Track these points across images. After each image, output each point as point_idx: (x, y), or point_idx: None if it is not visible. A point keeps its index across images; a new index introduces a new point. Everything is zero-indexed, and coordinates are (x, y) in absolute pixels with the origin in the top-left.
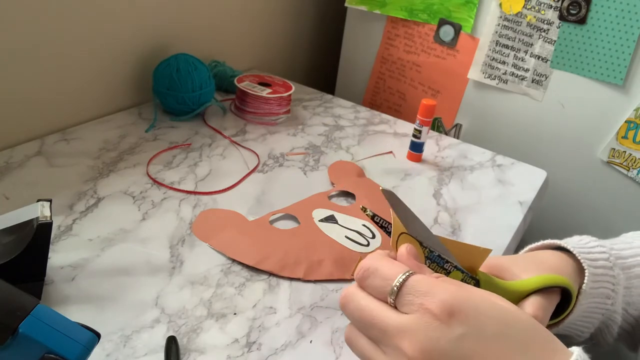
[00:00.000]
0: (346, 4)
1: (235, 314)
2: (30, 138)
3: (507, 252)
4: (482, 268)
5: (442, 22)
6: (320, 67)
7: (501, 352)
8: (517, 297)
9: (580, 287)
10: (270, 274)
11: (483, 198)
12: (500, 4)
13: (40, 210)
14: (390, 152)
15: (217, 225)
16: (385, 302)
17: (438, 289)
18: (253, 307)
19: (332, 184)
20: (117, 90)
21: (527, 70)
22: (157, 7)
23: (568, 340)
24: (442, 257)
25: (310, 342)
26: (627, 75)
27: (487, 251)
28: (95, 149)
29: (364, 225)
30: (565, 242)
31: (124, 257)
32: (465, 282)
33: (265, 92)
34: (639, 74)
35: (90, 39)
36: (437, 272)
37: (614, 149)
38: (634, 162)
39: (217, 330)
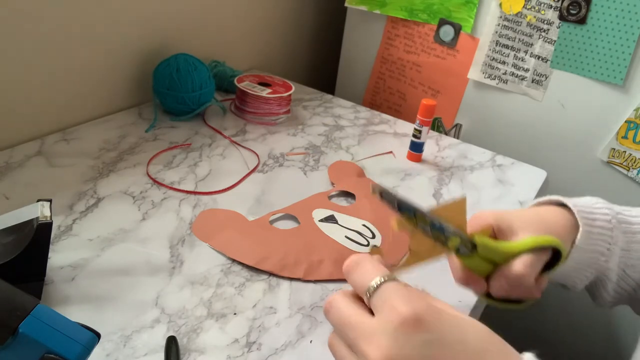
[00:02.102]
0: (346, 4)
1: (235, 314)
2: (30, 138)
3: None
4: (490, 217)
5: (442, 22)
6: (320, 67)
7: (460, 358)
8: (510, 257)
9: (573, 242)
10: (270, 274)
11: (483, 198)
12: (500, 4)
13: (40, 210)
14: (390, 152)
15: (217, 226)
16: (363, 302)
17: (408, 298)
18: (253, 307)
19: (332, 184)
20: (117, 90)
21: (527, 70)
22: (157, 7)
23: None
24: (443, 226)
25: (310, 342)
26: (627, 75)
27: (463, 200)
28: (95, 149)
29: (364, 225)
30: (570, 200)
31: (123, 257)
32: (465, 246)
33: (265, 92)
34: (639, 74)
35: (90, 39)
36: (440, 240)
37: (614, 149)
38: (634, 162)
39: (217, 330)
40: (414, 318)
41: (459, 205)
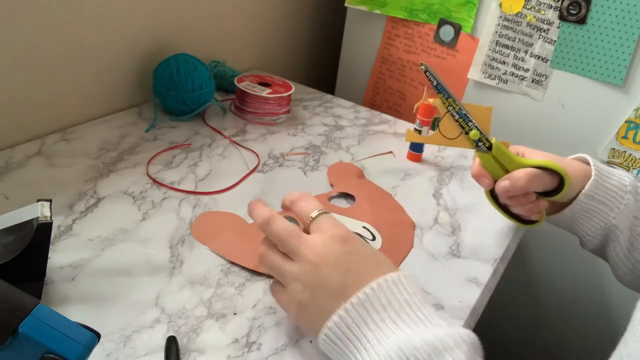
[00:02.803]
0: (346, 4)
1: (235, 314)
2: (30, 138)
3: (507, 252)
4: (514, 146)
5: (442, 22)
6: (320, 67)
7: (367, 264)
8: (517, 167)
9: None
10: (270, 276)
11: (483, 198)
12: (500, 4)
13: (40, 210)
14: (390, 152)
15: (216, 228)
16: (302, 226)
17: (337, 224)
18: (253, 307)
19: (332, 185)
20: (117, 90)
21: (527, 70)
22: (157, 7)
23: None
24: (468, 117)
25: (310, 342)
26: (627, 75)
27: (489, 109)
28: (95, 149)
29: (364, 227)
30: (593, 160)
31: (124, 257)
32: (482, 141)
33: (265, 92)
34: (639, 74)
35: (90, 39)
36: (463, 129)
37: (614, 149)
38: (634, 162)
39: (217, 330)
40: (341, 235)
41: (486, 112)
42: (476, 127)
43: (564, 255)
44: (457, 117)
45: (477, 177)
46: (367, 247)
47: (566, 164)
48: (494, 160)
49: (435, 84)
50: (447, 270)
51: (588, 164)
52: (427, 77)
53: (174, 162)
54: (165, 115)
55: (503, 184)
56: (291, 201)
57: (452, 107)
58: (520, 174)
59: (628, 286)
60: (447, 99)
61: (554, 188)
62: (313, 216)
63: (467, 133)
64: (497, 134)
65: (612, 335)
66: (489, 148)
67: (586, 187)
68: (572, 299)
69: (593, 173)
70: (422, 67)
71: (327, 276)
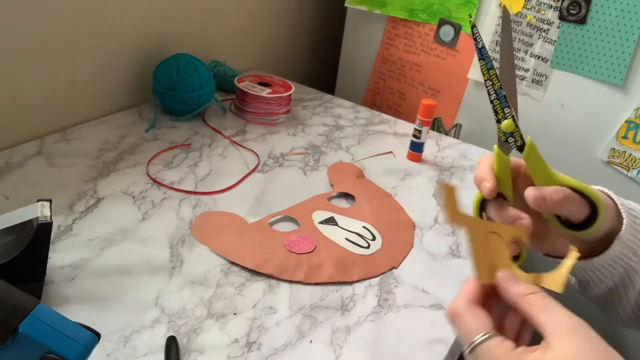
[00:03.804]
0: (346, 4)
1: (235, 314)
2: (30, 138)
3: None
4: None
5: (442, 22)
6: (320, 67)
7: None
8: (549, 182)
9: (618, 233)
10: (270, 276)
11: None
12: (501, 4)
13: (40, 210)
14: (390, 152)
15: (216, 228)
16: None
17: None
18: (253, 307)
19: (332, 185)
20: (117, 90)
21: (527, 70)
22: (157, 7)
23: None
24: (507, 100)
25: (310, 342)
26: (627, 76)
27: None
28: (95, 149)
29: (364, 227)
30: (618, 198)
31: (124, 257)
32: (516, 136)
33: (265, 92)
34: (639, 74)
35: (91, 39)
36: (496, 114)
37: (614, 149)
38: (634, 162)
39: (217, 330)
40: None
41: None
42: (513, 116)
43: None
44: (493, 97)
45: (481, 181)
46: None
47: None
48: (506, 167)
49: (480, 46)
50: (447, 270)
51: (608, 196)
52: (474, 34)
53: (174, 162)
54: (165, 115)
55: (536, 193)
56: (449, 320)
57: (490, 82)
58: (554, 189)
59: (630, 326)
60: (488, 70)
61: (581, 220)
62: (473, 344)
63: (499, 122)
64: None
65: (613, 335)
66: (520, 149)
67: (622, 230)
68: (572, 299)
69: (624, 215)
70: (471, 19)
71: None
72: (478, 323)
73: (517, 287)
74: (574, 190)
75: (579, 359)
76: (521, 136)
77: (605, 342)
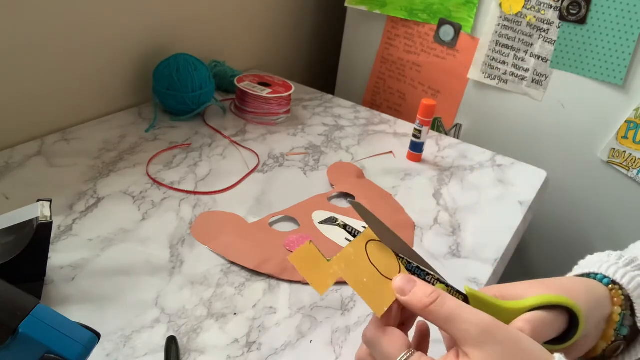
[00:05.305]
0: (346, 4)
1: (235, 314)
2: (30, 138)
3: (507, 252)
4: (493, 288)
5: (442, 22)
6: (320, 67)
7: None
8: (511, 316)
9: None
10: (270, 276)
11: (483, 198)
12: (500, 4)
13: (40, 210)
14: (390, 152)
15: (217, 228)
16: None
17: None
18: (253, 307)
19: (332, 185)
20: (117, 90)
21: (527, 70)
22: (157, 7)
23: None
24: (422, 269)
25: (310, 342)
26: (627, 76)
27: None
28: (95, 149)
29: (364, 227)
30: (585, 267)
31: (124, 257)
32: (453, 294)
33: (265, 92)
34: (639, 74)
35: (91, 39)
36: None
37: (614, 149)
38: (634, 162)
39: (217, 330)
40: None
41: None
42: (438, 279)
43: (564, 255)
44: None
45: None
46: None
47: (559, 280)
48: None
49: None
50: (447, 270)
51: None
52: (348, 232)
53: (174, 162)
54: (165, 115)
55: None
56: (365, 351)
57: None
58: (520, 325)
59: None
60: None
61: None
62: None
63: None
64: (497, 134)
65: None
66: (465, 301)
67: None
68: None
69: (634, 298)
70: (339, 222)
71: None
72: (394, 346)
73: (416, 298)
74: (542, 307)
75: None
76: (457, 291)
77: (526, 339)
